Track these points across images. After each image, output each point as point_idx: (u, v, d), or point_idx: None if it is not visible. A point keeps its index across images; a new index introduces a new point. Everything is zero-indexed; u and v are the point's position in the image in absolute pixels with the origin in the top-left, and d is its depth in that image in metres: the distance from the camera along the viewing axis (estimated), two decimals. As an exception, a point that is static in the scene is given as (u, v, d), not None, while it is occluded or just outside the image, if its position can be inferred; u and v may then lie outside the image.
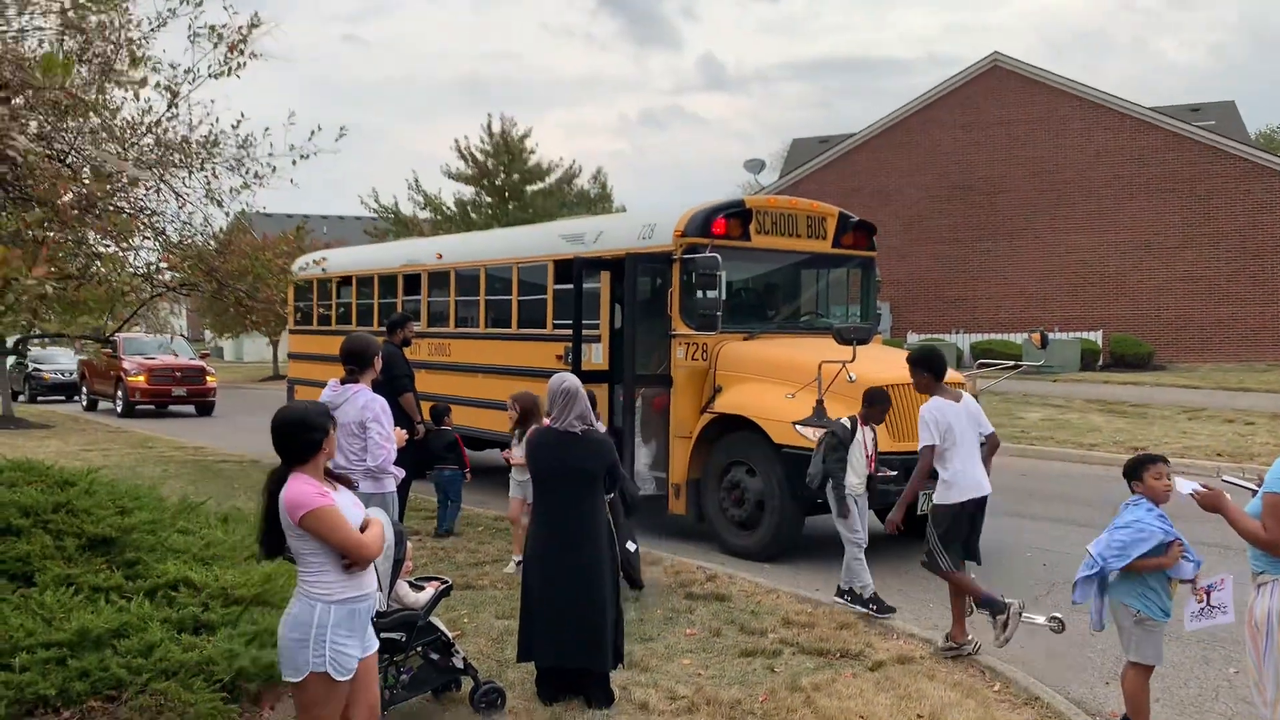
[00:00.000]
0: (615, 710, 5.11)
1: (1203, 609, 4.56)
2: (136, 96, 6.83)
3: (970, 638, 6.13)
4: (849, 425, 6.93)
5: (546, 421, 5.33)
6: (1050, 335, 23.59)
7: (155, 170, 7.18)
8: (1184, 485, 4.44)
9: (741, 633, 6.44)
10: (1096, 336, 27.91)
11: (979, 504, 6.23)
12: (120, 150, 7.08)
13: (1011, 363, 12.14)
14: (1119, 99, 28.43)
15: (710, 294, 8.96)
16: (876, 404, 6.98)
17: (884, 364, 8.94)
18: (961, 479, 6.10)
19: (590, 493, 5.17)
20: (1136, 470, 4.82)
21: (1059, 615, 6.17)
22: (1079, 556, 8.77)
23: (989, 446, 6.37)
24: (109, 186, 6.62)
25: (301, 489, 3.63)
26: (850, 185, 31.52)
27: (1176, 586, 4.72)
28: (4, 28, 5.80)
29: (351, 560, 3.66)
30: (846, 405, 8.36)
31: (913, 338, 29.77)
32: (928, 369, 6.27)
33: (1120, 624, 4.79)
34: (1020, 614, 5.99)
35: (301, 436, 3.72)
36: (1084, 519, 10.12)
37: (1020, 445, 15.43)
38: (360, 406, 5.75)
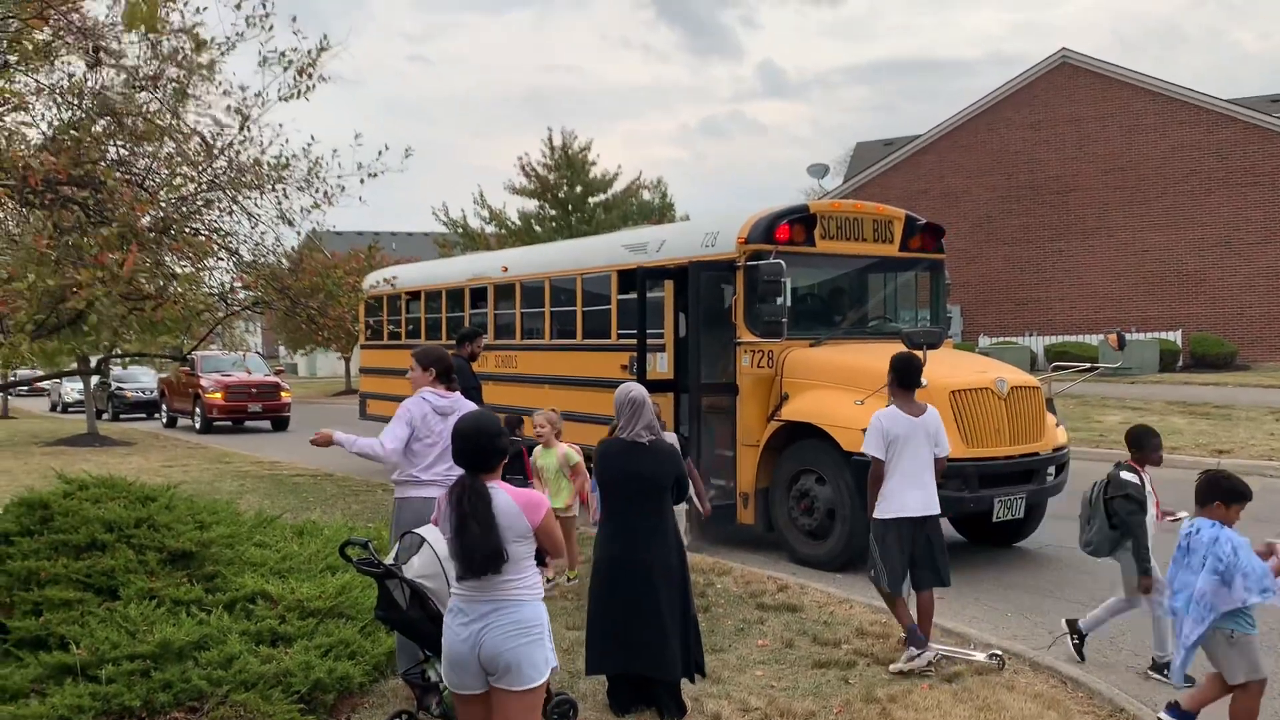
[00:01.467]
0: (687, 721, 5.09)
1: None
2: (209, 106, 6.97)
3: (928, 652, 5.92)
4: (1137, 479, 6.03)
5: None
6: (1128, 336, 23.00)
7: (228, 191, 7.35)
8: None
9: (814, 644, 6.36)
10: (1175, 336, 27.14)
11: (923, 523, 6.03)
12: (195, 175, 7.27)
13: (1088, 365, 11.84)
14: (1195, 92, 27.67)
15: (775, 300, 8.91)
16: (1146, 444, 6.14)
17: (956, 369, 8.80)
18: (898, 495, 5.98)
19: (658, 502, 5.17)
20: (1224, 497, 4.66)
21: (998, 652, 5.96)
22: (1163, 565, 8.53)
23: (937, 467, 6.13)
24: (186, 208, 6.79)
25: (526, 492, 3.80)
26: (917, 187, 31.14)
27: None
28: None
29: (555, 556, 4.03)
30: (917, 411, 8.25)
31: (984, 341, 29.27)
32: (895, 374, 6.15)
33: (1213, 654, 4.61)
34: (933, 662, 5.83)
35: (495, 444, 3.80)
36: (1163, 526, 9.81)
37: (1099, 450, 15.05)
38: None
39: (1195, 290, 27.48)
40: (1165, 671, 5.80)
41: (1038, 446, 8.65)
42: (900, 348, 8.22)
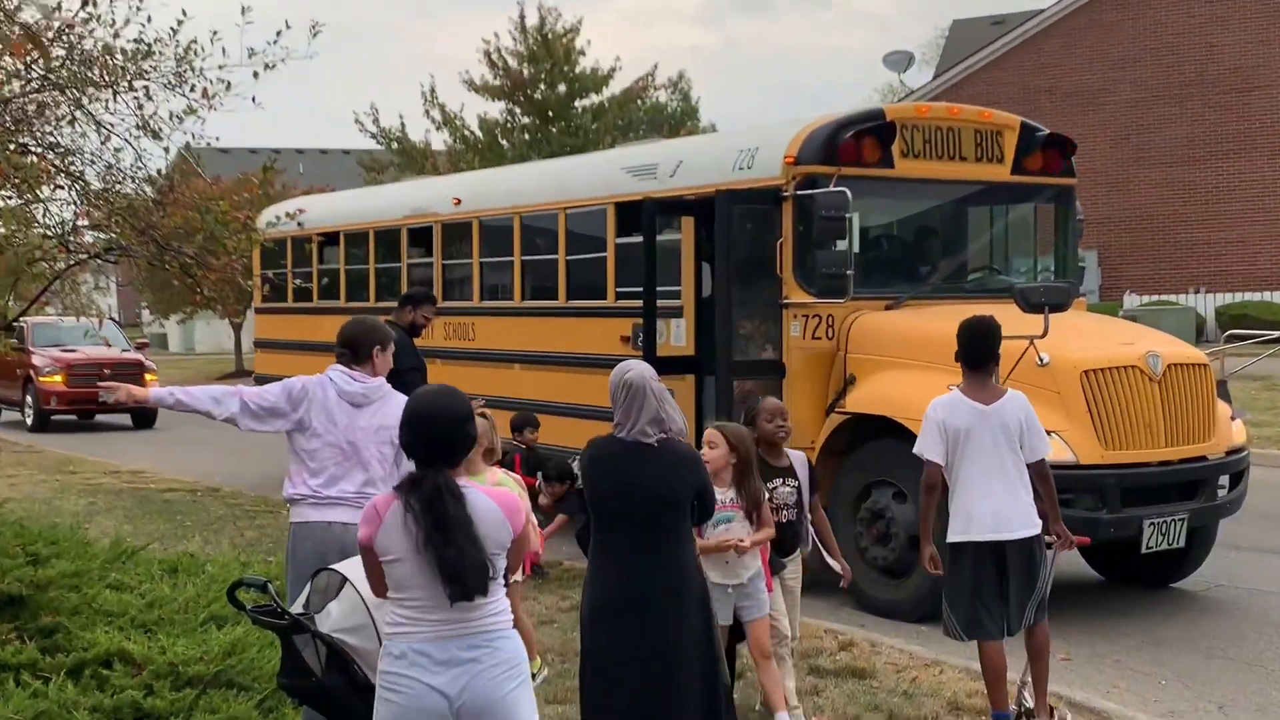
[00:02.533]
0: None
1: None
2: None
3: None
4: None
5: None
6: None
7: (69, 92, 7.33)
8: None
9: (888, 722, 6.41)
10: (1402, 294, 27.09)
11: (1010, 548, 6.07)
12: (20, 69, 7.25)
13: (1277, 334, 11.84)
14: None
15: (837, 245, 8.89)
16: None
17: (1090, 340, 8.79)
18: (963, 510, 6.09)
19: (672, 527, 5.14)
20: None
21: None
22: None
23: (1037, 474, 6.18)
24: (7, 117, 6.78)
25: (503, 490, 4.00)
26: (1037, 84, 31.01)
27: None
28: None
29: (515, 570, 4.21)
30: (1037, 400, 8.23)
31: (1131, 300, 29.22)
32: (964, 347, 6.27)
33: None
34: None
35: (462, 431, 3.92)
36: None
37: (1291, 452, 15.06)
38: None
39: None
40: None
41: (1205, 448, 8.65)
42: (1010, 310, 8.22)
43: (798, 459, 6.64)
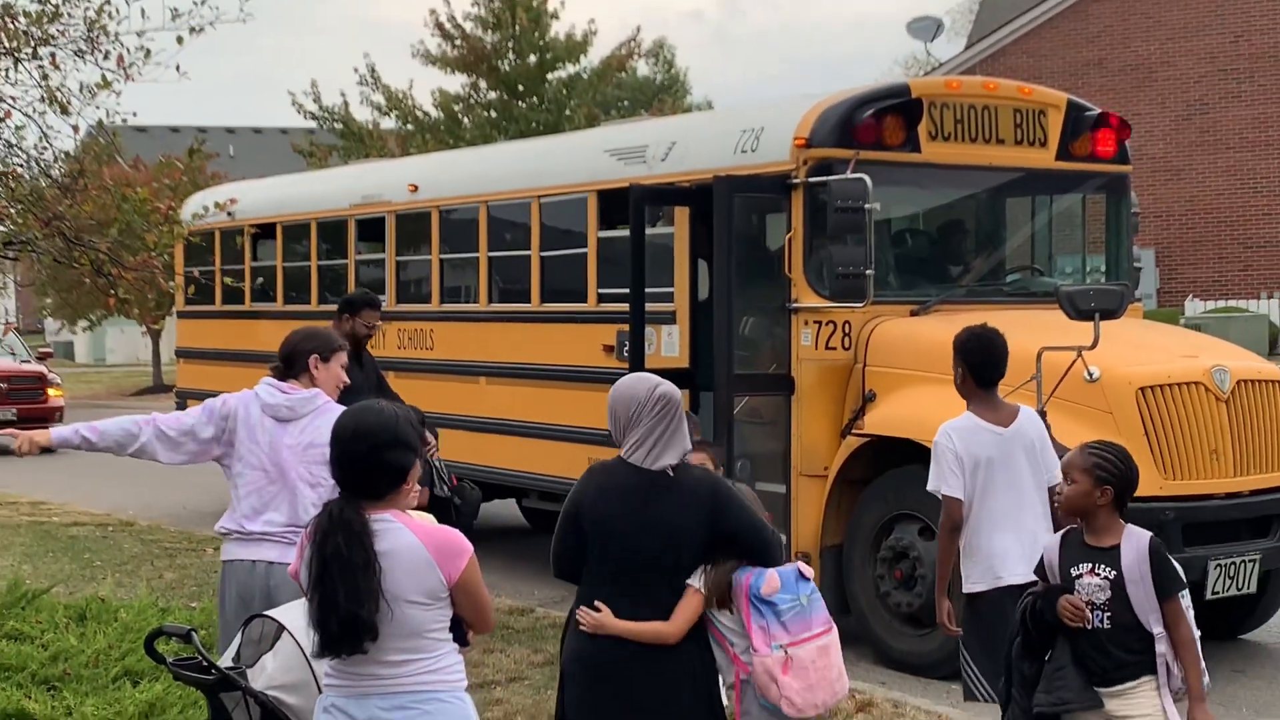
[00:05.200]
0: None
1: None
2: None
3: None
4: None
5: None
6: None
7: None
8: None
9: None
10: None
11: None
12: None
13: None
14: None
15: (855, 241, 8.91)
16: None
17: (1146, 352, 8.82)
18: (985, 552, 6.16)
19: (679, 575, 5.04)
20: None
21: None
22: None
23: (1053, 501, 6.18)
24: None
25: (443, 529, 4.02)
26: (1085, 56, 31.13)
27: None
28: None
29: (481, 630, 4.27)
30: (1085, 420, 8.26)
31: (1194, 305, 29.32)
32: (967, 362, 6.37)
33: None
34: None
35: (382, 457, 3.90)
36: None
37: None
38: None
39: None
40: None
41: (1280, 478, 8.69)
42: (1056, 317, 8.25)
43: (1132, 542, 5.93)
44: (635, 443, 4.86)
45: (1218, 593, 8.38)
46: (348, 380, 5.98)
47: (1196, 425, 8.39)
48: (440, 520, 5.76)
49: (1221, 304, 29.36)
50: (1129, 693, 4.71)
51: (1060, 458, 6.79)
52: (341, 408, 5.59)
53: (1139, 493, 8.22)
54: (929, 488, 6.30)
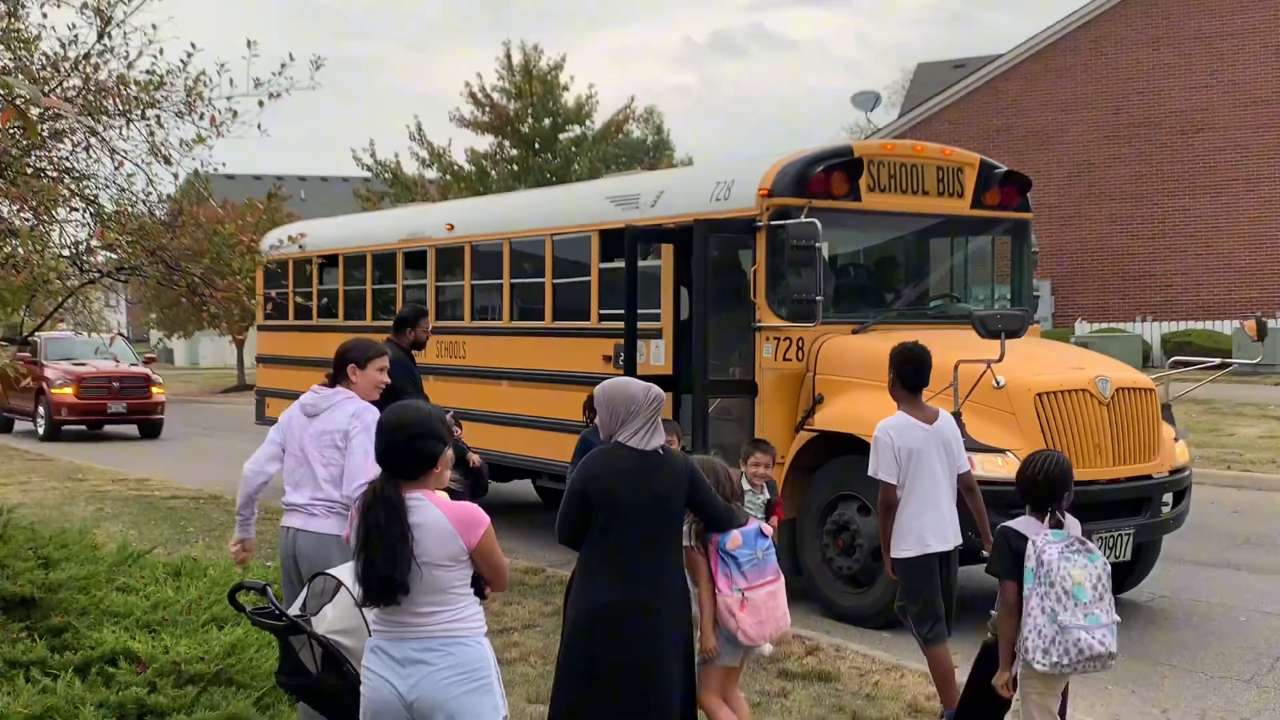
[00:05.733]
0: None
1: None
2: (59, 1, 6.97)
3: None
4: None
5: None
6: (1270, 323, 23.07)
7: (84, 120, 7.32)
8: None
9: (853, 723, 6.41)
10: (1335, 324, 27.27)
11: (946, 560, 6.37)
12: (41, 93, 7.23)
13: (1218, 361, 11.89)
14: (1363, 1, 27.77)
15: (807, 273, 8.91)
16: None
17: (1044, 364, 8.83)
18: (915, 526, 6.26)
19: (673, 531, 5.11)
20: None
21: None
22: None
23: (965, 486, 6.45)
24: (27, 140, 6.77)
25: (464, 505, 3.99)
26: (995, 124, 31.19)
27: None
28: None
29: (497, 588, 4.14)
30: (993, 420, 8.28)
31: (1082, 328, 29.36)
32: (898, 371, 6.44)
33: None
34: None
35: (418, 446, 3.97)
36: None
37: (1232, 472, 15.13)
38: (350, 414, 5.78)
39: (1361, 263, 27.57)
40: None
41: (1150, 467, 8.70)
42: (969, 336, 8.26)
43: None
44: (634, 430, 4.96)
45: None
46: (387, 380, 5.94)
47: (1083, 424, 8.42)
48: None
49: (1104, 326, 29.43)
50: None
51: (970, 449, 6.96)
52: (353, 403, 5.72)
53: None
54: (869, 473, 6.37)
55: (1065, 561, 5.04)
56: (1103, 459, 8.44)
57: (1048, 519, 5.26)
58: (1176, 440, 9.24)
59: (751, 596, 5.35)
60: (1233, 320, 27.41)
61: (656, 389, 5.12)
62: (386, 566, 3.79)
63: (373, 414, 5.68)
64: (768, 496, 7.44)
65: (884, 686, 7.02)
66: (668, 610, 5.00)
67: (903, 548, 6.29)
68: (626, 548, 4.97)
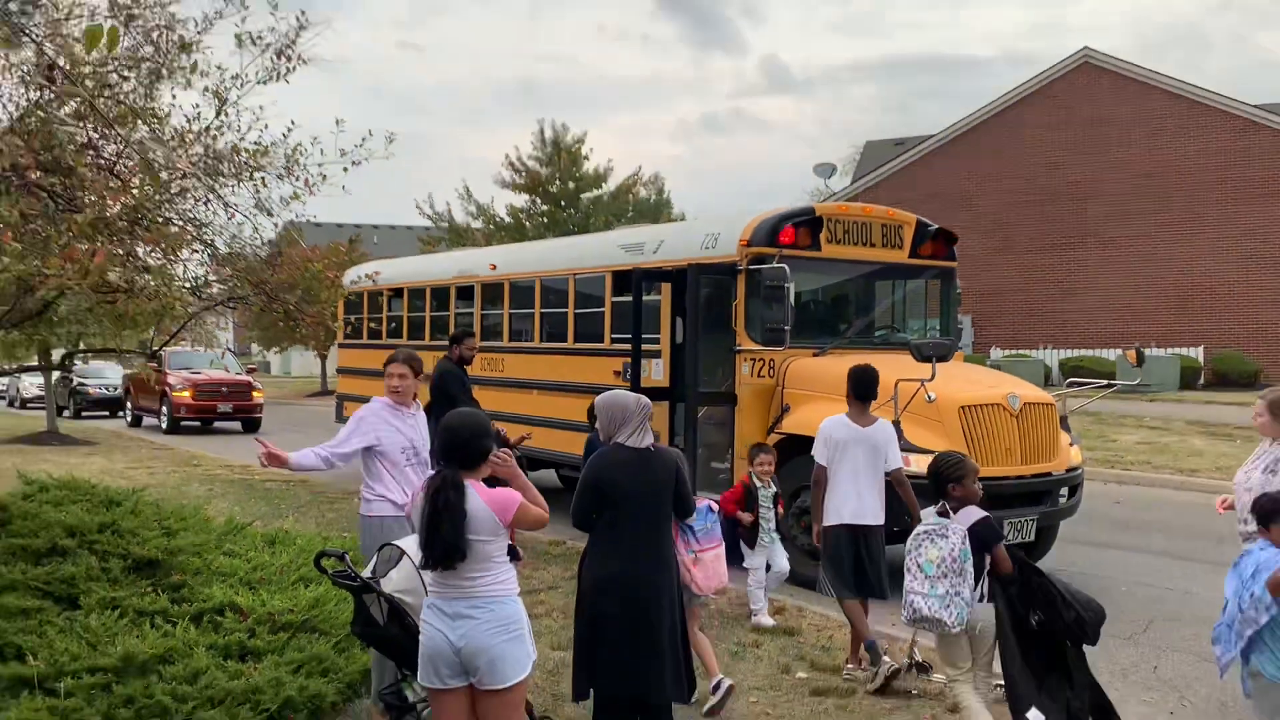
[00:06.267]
0: (678, 749, 5.09)
1: None
2: (188, 84, 6.98)
3: (879, 664, 6.12)
4: None
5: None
6: (1147, 352, 23.07)
7: (205, 180, 7.35)
8: None
9: (812, 669, 6.39)
10: (1198, 353, 27.24)
11: (863, 532, 6.45)
12: (170, 155, 7.27)
13: (1105, 382, 11.89)
14: (1221, 96, 27.80)
15: (778, 307, 8.93)
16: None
17: (966, 383, 8.83)
18: (835, 502, 6.46)
19: (664, 514, 5.12)
20: (1265, 520, 4.69)
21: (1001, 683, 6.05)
22: (1182, 593, 8.58)
23: (895, 481, 6.55)
24: (159, 196, 6.79)
25: (500, 490, 3.99)
26: (928, 190, 31.23)
27: None
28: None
29: (541, 525, 4.11)
30: (925, 427, 8.28)
31: (996, 354, 29.35)
32: (850, 385, 6.63)
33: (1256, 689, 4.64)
34: (890, 677, 6.03)
35: (478, 443, 4.02)
36: (1184, 552, 9.88)
37: (1115, 470, 15.11)
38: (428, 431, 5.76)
39: (1218, 305, 27.58)
40: None
41: (1051, 466, 8.69)
42: (907, 360, 8.27)
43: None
44: (629, 432, 5.01)
45: (1010, 542, 8.36)
46: (396, 386, 5.82)
47: (997, 431, 8.41)
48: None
49: (1014, 352, 29.41)
50: None
51: (900, 447, 7.00)
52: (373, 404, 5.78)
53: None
54: (812, 453, 6.64)
55: (926, 541, 5.17)
56: (1012, 459, 8.43)
57: (936, 507, 5.30)
58: (1071, 445, 9.23)
59: (702, 557, 5.58)
60: (1116, 349, 27.42)
61: (645, 399, 5.18)
62: (453, 536, 3.80)
63: (369, 409, 5.72)
64: (775, 490, 7.49)
65: (837, 639, 7.00)
66: (664, 577, 5.03)
67: (825, 520, 6.50)
68: (629, 528, 4.99)
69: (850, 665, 6.35)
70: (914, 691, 6.03)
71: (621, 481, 4.97)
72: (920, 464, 8.08)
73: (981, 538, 5.10)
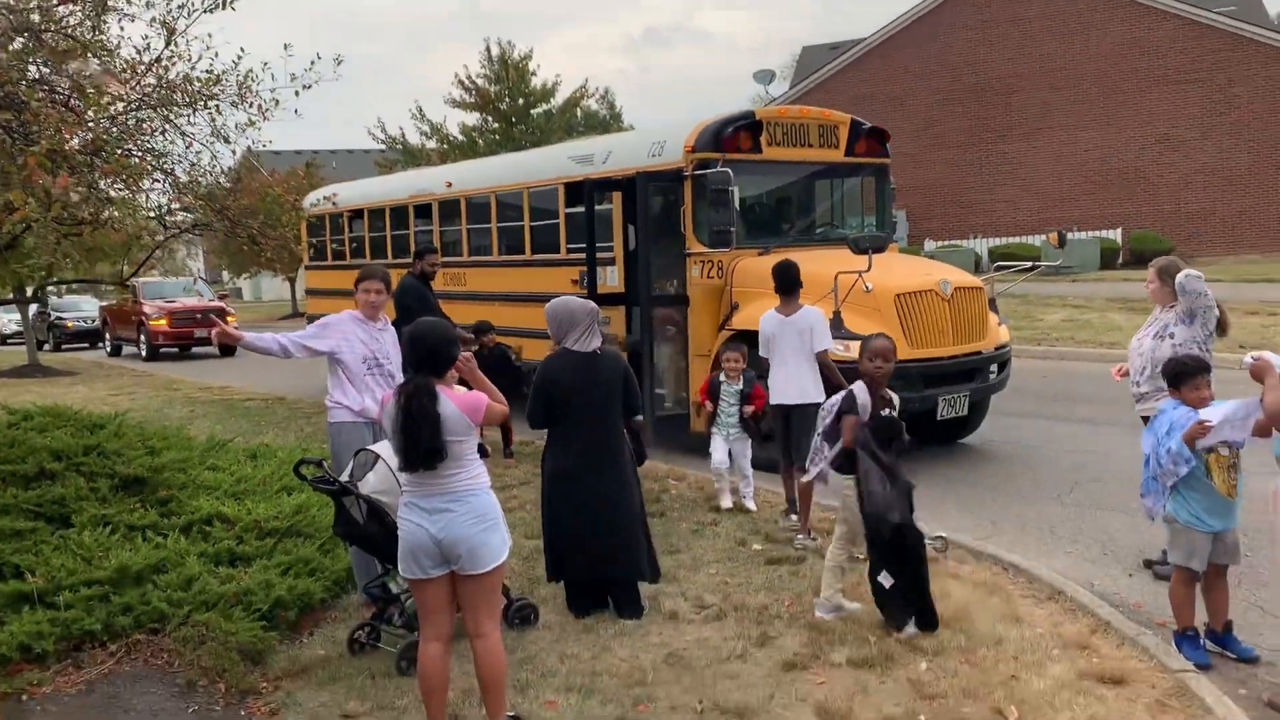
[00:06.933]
0: (646, 620, 5.22)
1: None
2: (134, 18, 6.73)
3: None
4: None
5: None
6: (1069, 235, 23.29)
7: (160, 110, 7.12)
8: (1246, 358, 4.39)
9: (767, 542, 6.54)
10: (1116, 235, 27.57)
11: (796, 410, 6.79)
12: (123, 93, 7.02)
13: (1029, 264, 12.03)
14: (1135, -11, 27.64)
15: (723, 210, 8.88)
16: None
17: (901, 273, 8.88)
18: (776, 384, 6.86)
19: (613, 411, 5.20)
20: (1175, 381, 4.81)
21: (942, 534, 6.32)
22: (1103, 455, 8.81)
23: (822, 363, 6.85)
24: (114, 127, 6.57)
25: (468, 394, 3.97)
26: (862, 92, 30.97)
27: (1226, 481, 4.65)
28: None
29: (501, 414, 4.04)
30: (864, 316, 8.35)
31: (930, 245, 29.51)
32: (775, 280, 6.96)
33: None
34: (803, 544, 6.43)
35: (446, 351, 3.96)
36: (1107, 417, 10.13)
37: (1041, 347, 15.38)
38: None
39: (1136, 188, 27.83)
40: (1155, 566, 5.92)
41: (980, 345, 8.82)
42: (845, 254, 8.30)
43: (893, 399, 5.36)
44: (576, 337, 5.07)
45: (944, 416, 8.55)
46: (373, 300, 5.67)
47: (930, 316, 8.51)
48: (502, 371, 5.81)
49: (945, 243, 29.61)
50: None
51: (841, 335, 7.26)
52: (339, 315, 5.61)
53: (898, 358, 8.44)
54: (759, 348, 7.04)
55: (827, 414, 5.34)
56: (945, 341, 8.55)
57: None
58: (1000, 325, 9.36)
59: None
60: (1040, 235, 27.68)
61: (591, 304, 5.27)
62: (431, 440, 3.79)
63: (335, 317, 5.61)
64: (741, 387, 7.46)
65: (786, 517, 7.14)
66: (615, 469, 5.18)
67: (770, 400, 6.96)
68: (579, 426, 5.13)
69: (801, 536, 6.50)
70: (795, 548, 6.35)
71: (569, 383, 5.10)
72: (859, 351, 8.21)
73: (840, 408, 5.18)
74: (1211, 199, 26.90)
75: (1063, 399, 11.61)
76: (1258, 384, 4.25)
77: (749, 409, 7.38)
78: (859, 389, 5.18)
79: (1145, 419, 5.54)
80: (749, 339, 8.92)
